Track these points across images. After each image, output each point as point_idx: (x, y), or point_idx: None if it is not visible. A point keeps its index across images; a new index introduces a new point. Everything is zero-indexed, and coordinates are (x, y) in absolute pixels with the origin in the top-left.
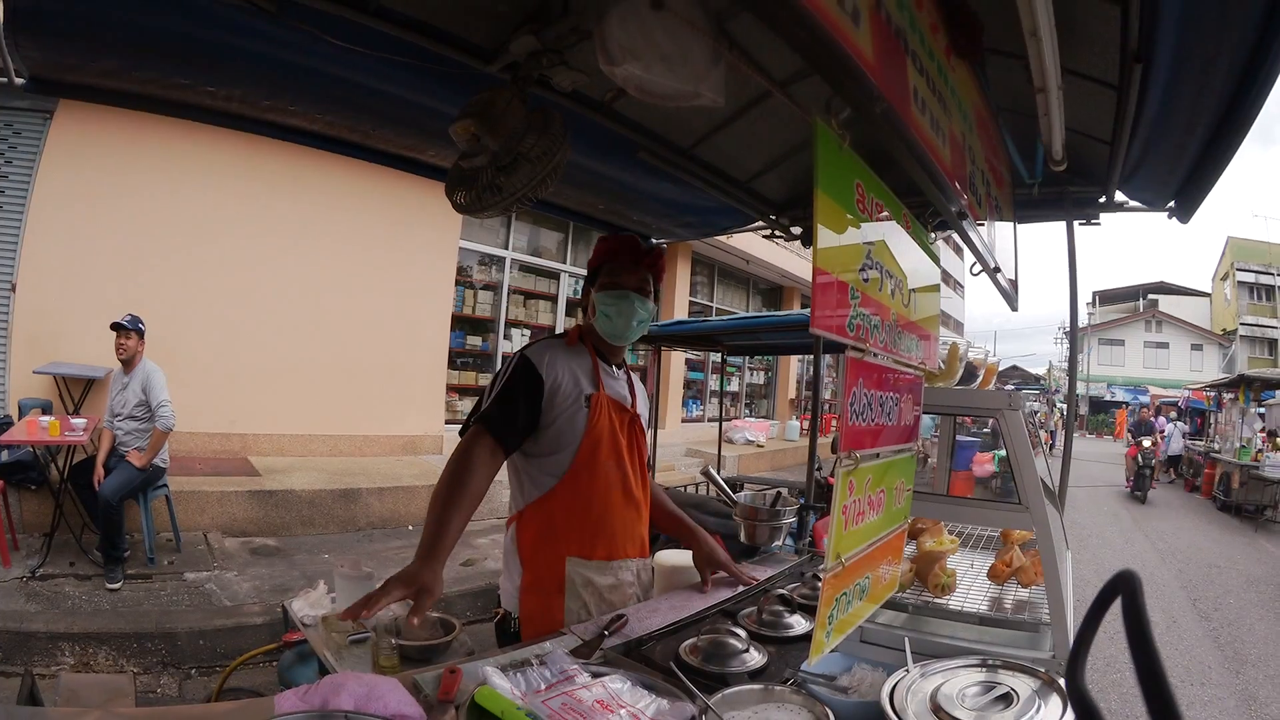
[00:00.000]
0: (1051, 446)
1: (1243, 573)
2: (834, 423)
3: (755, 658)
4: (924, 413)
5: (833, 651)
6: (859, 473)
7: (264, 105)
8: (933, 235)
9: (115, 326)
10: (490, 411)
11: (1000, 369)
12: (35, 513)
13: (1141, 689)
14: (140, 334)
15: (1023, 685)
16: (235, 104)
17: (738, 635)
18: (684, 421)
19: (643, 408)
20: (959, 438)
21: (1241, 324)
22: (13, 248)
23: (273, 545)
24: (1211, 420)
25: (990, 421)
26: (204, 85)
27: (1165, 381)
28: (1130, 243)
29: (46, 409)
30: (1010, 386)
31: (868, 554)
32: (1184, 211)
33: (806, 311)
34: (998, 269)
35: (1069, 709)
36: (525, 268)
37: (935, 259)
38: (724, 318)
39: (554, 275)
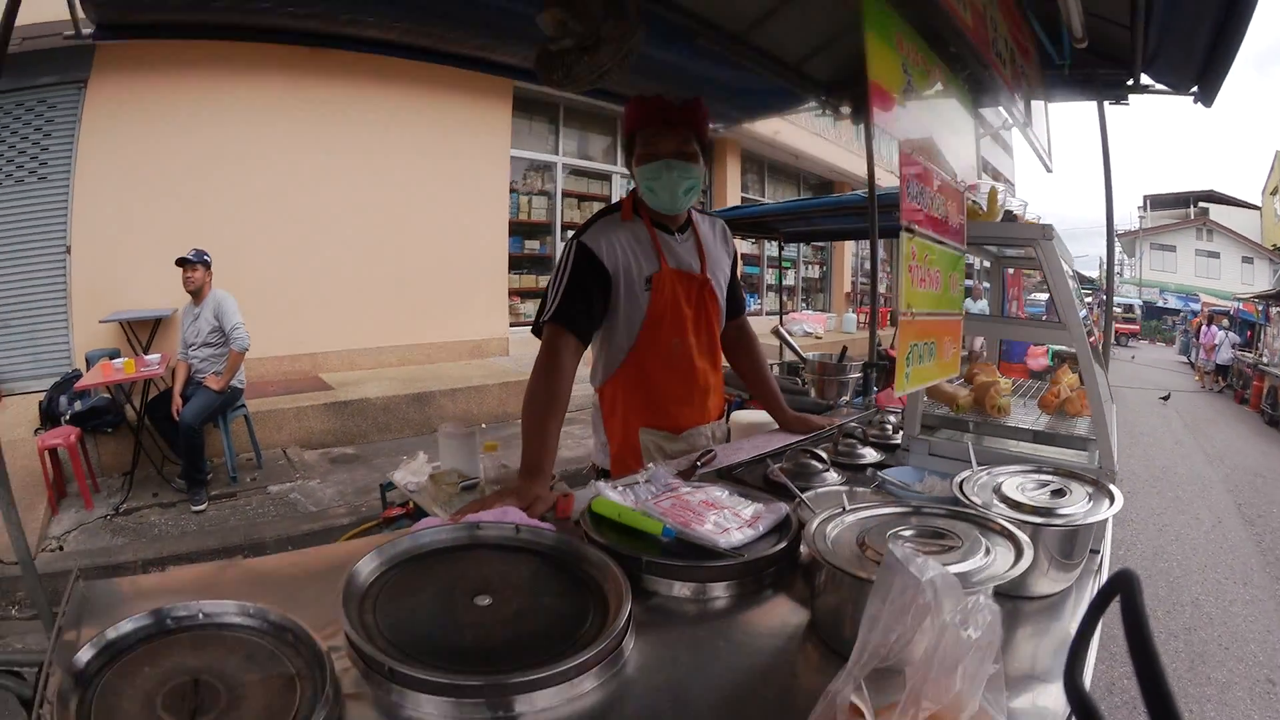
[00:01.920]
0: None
1: None
2: (889, 316)
3: (835, 477)
4: (969, 242)
5: (903, 466)
6: (917, 242)
7: (343, 20)
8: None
9: (180, 261)
10: (564, 307)
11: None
12: (113, 454)
13: (1141, 689)
14: (206, 265)
15: (1075, 486)
16: (315, 22)
17: (819, 458)
18: (759, 317)
19: (716, 266)
20: None
21: None
22: (63, 213)
23: (351, 453)
24: (1261, 333)
25: (1043, 317)
26: (285, 6)
27: (1217, 291)
28: (1180, 146)
29: (114, 356)
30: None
31: (930, 322)
32: (1206, 95)
33: (861, 193)
34: (1028, 124)
35: (1116, 503)
36: (576, 171)
37: (965, 104)
38: (780, 201)
39: (605, 177)
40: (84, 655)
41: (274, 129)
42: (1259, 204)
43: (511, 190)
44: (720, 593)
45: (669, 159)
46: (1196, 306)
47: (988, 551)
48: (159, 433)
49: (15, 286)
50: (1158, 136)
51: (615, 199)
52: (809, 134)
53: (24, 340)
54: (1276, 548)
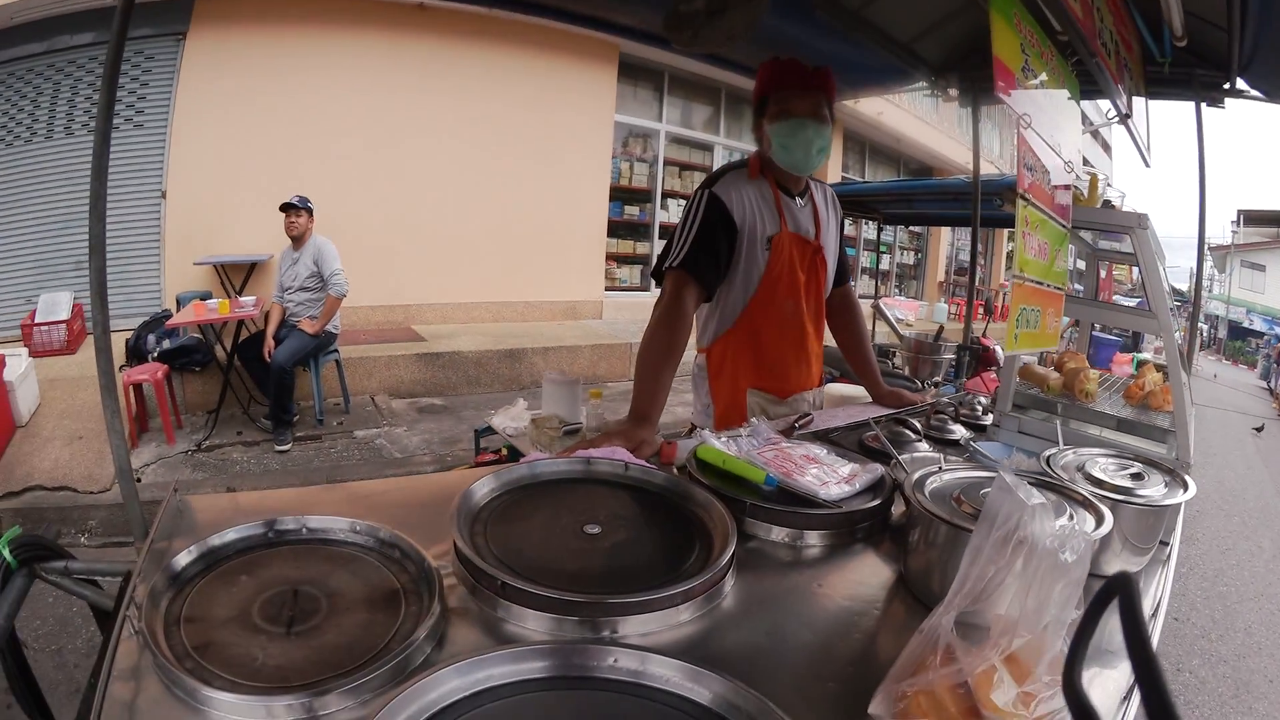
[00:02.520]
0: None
1: None
2: (981, 309)
3: (926, 447)
4: (1072, 226)
5: (993, 442)
6: (1030, 210)
7: None
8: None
9: (285, 207)
10: (691, 255)
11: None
12: (199, 393)
13: (1141, 691)
14: (309, 211)
15: (1153, 472)
16: None
17: (913, 429)
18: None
19: (828, 234)
20: (1099, 334)
21: None
22: (159, 160)
23: (439, 404)
24: None
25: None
26: None
27: None
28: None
29: (205, 298)
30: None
31: (1036, 290)
32: None
33: (965, 178)
34: (1129, 115)
35: (1189, 491)
36: (678, 140)
37: (1073, 90)
38: (883, 180)
39: (707, 148)
40: (182, 559)
41: (376, 84)
42: None
43: (613, 155)
44: (816, 541)
45: (805, 118)
46: None
47: (1071, 517)
48: (248, 373)
49: (109, 229)
50: (1258, 150)
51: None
52: (912, 117)
53: (115, 281)
54: None
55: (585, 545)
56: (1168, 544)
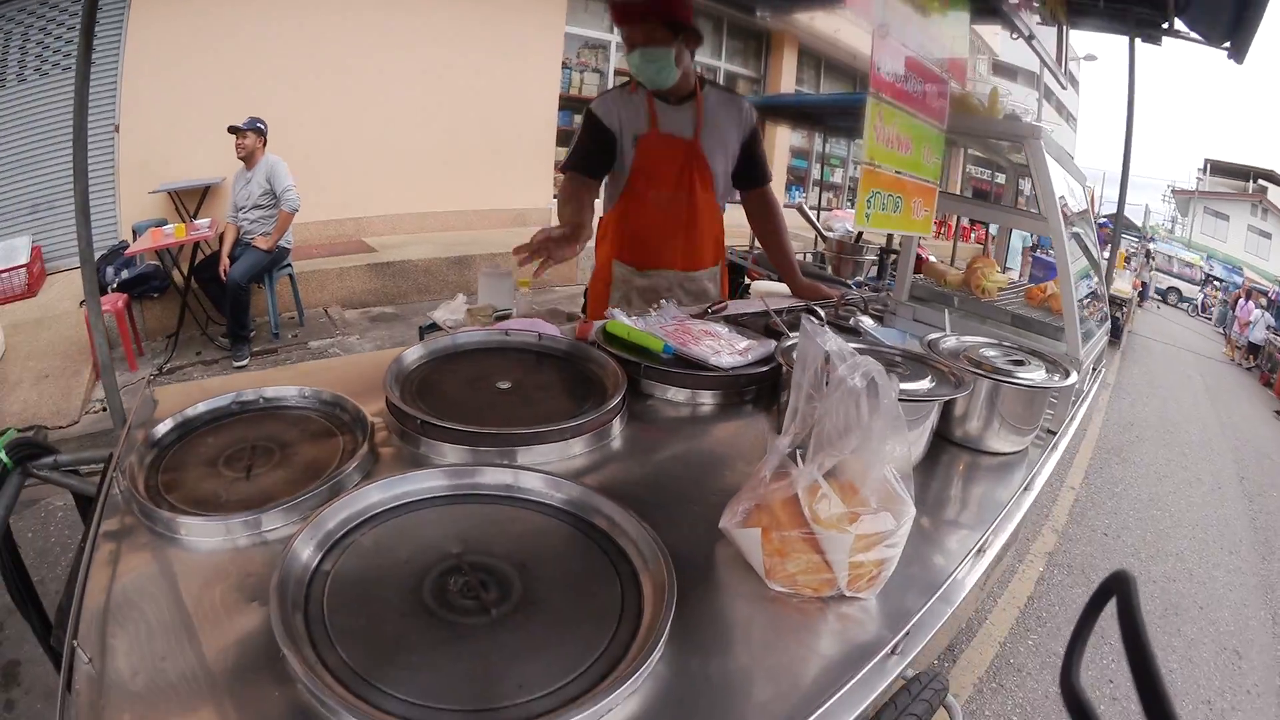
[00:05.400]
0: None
1: None
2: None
3: (829, 334)
4: (966, 133)
5: (887, 327)
6: (883, 107)
7: None
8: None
9: (232, 129)
10: (574, 160)
11: (1103, 215)
12: (158, 319)
13: (1138, 690)
14: (259, 131)
15: (1036, 361)
16: None
17: (817, 315)
18: (785, 207)
19: (713, 137)
20: (1042, 256)
21: None
22: (112, 94)
23: (391, 312)
24: None
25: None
26: None
27: (1263, 271)
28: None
29: (161, 225)
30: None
31: (895, 179)
32: (1238, 51)
33: None
34: (1032, 36)
35: (1070, 379)
36: None
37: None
38: (827, 94)
39: None
40: (161, 428)
41: (324, 3)
42: None
43: (565, 66)
44: (707, 400)
45: (641, 47)
46: (1239, 279)
47: (932, 380)
48: (205, 294)
49: (64, 169)
50: (1230, 104)
51: None
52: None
53: (71, 220)
54: (1268, 529)
55: (497, 398)
56: (1054, 433)
